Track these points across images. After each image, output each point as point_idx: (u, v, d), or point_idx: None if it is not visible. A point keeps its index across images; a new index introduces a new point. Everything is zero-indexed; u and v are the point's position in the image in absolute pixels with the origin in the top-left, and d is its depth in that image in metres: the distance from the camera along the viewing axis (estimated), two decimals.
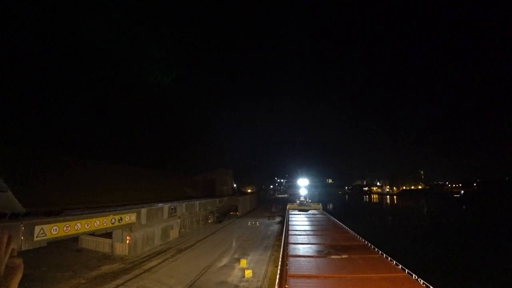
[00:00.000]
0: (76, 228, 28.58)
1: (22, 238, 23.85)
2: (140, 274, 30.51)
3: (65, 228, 27.40)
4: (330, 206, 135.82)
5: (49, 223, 25.81)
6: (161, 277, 29.58)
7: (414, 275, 18.63)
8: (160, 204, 46.58)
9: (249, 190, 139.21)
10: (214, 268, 32.58)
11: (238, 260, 34.98)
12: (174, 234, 48.99)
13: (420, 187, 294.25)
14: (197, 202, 62.55)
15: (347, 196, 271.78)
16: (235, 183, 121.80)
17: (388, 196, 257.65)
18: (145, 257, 37.23)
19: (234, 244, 45.66)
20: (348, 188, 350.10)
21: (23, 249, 24.01)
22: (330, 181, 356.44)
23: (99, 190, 41.50)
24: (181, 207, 53.68)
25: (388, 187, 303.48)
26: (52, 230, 26.16)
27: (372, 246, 27.74)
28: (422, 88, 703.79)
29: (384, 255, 24.22)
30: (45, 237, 25.65)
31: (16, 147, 42.08)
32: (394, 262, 22.15)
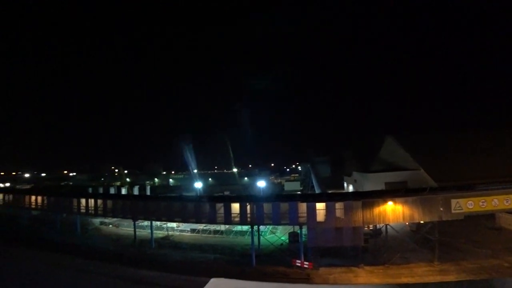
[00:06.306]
0: (493, 204, 27.05)
1: (442, 209, 26.61)
2: None
3: (480, 203, 26.90)
4: None
5: (463, 197, 26.74)
6: None
7: None
8: None
9: None
10: None
11: None
12: None
13: None
14: None
15: None
16: None
17: None
18: None
19: None
20: None
21: (443, 219, 26.71)
22: None
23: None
24: None
25: None
26: (468, 205, 26.73)
27: None
28: None
29: None
30: (461, 211, 26.79)
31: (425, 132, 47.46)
32: None
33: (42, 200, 46.90)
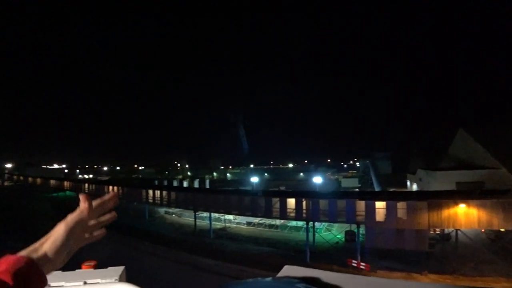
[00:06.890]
0: None
1: None
2: None
3: None
4: None
5: None
6: None
7: None
8: None
9: None
10: None
11: None
12: None
13: None
14: None
15: None
16: None
17: None
18: None
19: None
20: None
21: None
22: None
23: None
24: None
25: None
26: None
27: None
28: None
29: None
30: None
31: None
32: None
33: (117, 190, 52.78)
